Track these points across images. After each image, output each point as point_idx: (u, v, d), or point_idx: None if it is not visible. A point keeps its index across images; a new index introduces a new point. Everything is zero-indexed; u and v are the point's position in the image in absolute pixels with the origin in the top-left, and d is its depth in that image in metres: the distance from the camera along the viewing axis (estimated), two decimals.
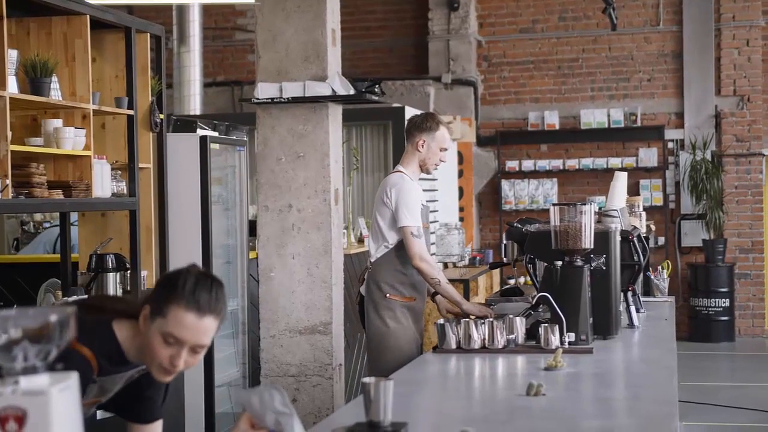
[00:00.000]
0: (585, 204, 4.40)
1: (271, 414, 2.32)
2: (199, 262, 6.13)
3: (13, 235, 8.99)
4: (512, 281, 10.47)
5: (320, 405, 5.48)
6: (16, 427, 1.69)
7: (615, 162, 12.19)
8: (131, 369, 2.74)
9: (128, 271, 5.53)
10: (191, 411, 6.09)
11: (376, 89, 5.64)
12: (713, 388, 9.31)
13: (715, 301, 11.82)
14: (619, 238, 4.71)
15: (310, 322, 5.51)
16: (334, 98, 5.44)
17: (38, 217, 8.78)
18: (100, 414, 3.13)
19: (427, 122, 5.06)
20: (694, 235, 12.17)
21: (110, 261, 5.40)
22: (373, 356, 5.08)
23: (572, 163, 12.38)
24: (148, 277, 5.75)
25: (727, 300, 11.85)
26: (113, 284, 5.38)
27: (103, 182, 5.27)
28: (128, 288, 5.53)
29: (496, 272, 10.86)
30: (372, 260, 5.07)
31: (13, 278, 6.34)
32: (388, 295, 5.00)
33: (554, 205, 4.44)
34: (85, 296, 5.04)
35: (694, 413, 8.01)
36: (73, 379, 1.76)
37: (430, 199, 9.30)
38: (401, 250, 4.95)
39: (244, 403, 2.39)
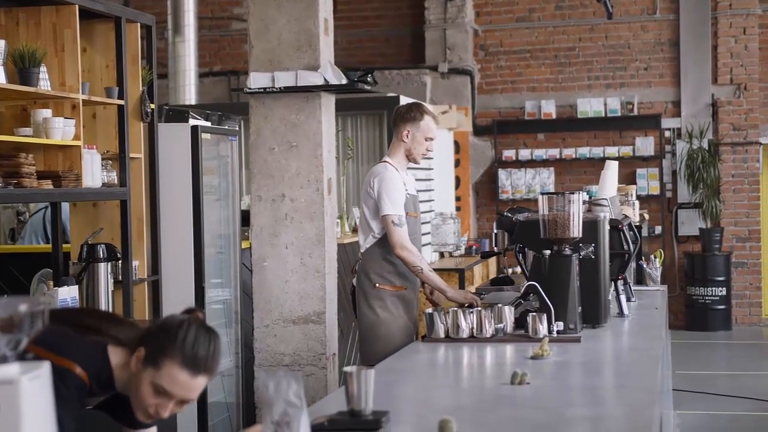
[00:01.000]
0: (573, 193, 4.39)
1: (281, 403, 2.30)
2: (191, 252, 6.14)
3: (9, 225, 8.99)
4: (509, 270, 10.46)
5: (314, 394, 5.48)
6: None
7: (612, 151, 12.17)
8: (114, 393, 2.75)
9: (119, 261, 5.52)
10: None
11: (368, 79, 5.63)
12: (710, 376, 9.31)
13: (712, 290, 11.82)
14: (609, 227, 4.71)
15: (304, 311, 5.51)
16: (327, 88, 5.43)
17: (33, 207, 8.77)
18: None
19: (411, 112, 5.05)
20: (690, 224, 12.16)
21: (101, 251, 5.38)
22: (364, 346, 5.08)
23: (569, 153, 12.36)
24: (140, 267, 5.75)
25: (724, 289, 11.84)
26: (104, 274, 5.37)
27: (94, 172, 5.26)
28: (119, 278, 5.53)
29: (493, 262, 10.85)
30: (361, 251, 5.08)
31: (7, 269, 6.34)
32: (377, 284, 5.00)
33: (543, 194, 4.44)
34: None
35: (690, 402, 8.02)
36: (44, 368, 1.76)
37: (425, 189, 9.30)
38: (388, 239, 4.94)
39: (260, 385, 2.37)
